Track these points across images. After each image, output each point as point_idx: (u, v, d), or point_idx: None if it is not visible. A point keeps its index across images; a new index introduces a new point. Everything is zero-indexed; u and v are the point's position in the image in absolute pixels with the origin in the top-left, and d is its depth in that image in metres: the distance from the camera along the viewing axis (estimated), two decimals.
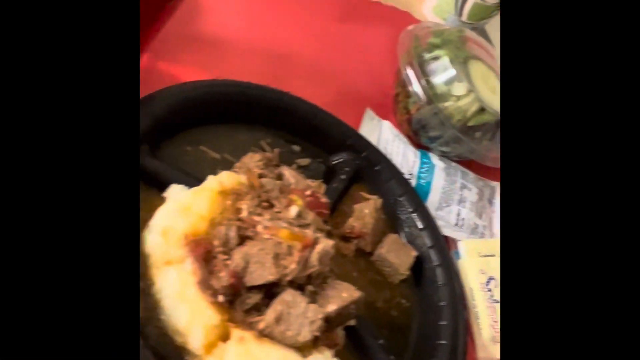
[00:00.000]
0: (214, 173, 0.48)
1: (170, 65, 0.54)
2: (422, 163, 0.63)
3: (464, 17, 0.83)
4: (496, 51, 0.70)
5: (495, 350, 0.53)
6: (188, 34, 0.55)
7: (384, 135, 0.64)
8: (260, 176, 0.49)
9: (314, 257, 0.42)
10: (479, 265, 0.57)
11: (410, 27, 0.67)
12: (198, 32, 0.57)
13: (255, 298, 0.41)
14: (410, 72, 0.62)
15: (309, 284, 0.42)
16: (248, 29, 0.61)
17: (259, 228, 0.43)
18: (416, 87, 0.62)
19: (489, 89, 0.64)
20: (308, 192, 0.48)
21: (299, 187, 0.49)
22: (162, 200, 0.44)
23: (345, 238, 0.52)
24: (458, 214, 0.62)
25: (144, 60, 0.51)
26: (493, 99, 0.63)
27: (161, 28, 0.47)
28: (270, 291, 0.41)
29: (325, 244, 0.42)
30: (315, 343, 0.41)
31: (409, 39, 0.65)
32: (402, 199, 0.57)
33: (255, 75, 0.56)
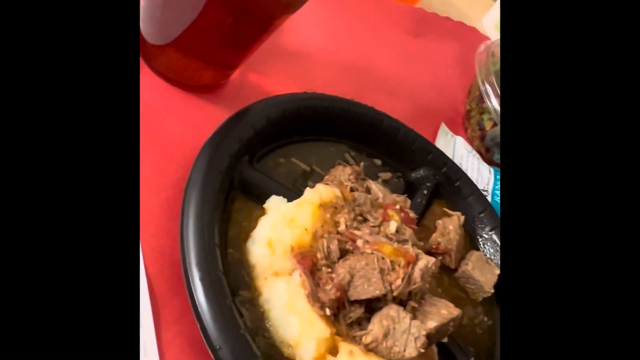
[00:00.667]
0: (306, 185, 0.49)
1: (260, 77, 0.54)
2: (497, 180, 0.63)
3: None
4: None
5: None
6: (275, 48, 0.55)
7: (458, 151, 0.64)
8: (352, 189, 0.49)
9: (417, 273, 0.42)
10: None
11: (487, 42, 0.67)
12: (284, 46, 0.58)
13: (357, 312, 0.41)
14: (488, 88, 0.62)
15: (410, 300, 0.42)
16: (330, 42, 0.62)
17: (359, 242, 0.43)
18: (494, 103, 0.62)
19: None
20: (397, 207, 0.48)
21: (387, 202, 0.49)
22: (262, 210, 0.45)
23: (430, 254, 0.52)
24: None
25: (237, 72, 0.52)
26: None
27: (261, 45, 0.48)
28: (370, 305, 0.42)
29: (427, 260, 0.43)
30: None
31: (486, 55, 0.65)
32: (482, 215, 0.57)
33: (336, 86, 0.56)
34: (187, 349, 0.36)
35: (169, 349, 0.36)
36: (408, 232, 0.45)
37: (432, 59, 0.72)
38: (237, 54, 0.48)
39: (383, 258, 0.42)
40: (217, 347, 0.35)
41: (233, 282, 0.40)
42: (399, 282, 0.41)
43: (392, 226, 0.44)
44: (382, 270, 0.41)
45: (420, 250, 0.44)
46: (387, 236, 0.44)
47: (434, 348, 0.44)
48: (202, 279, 0.37)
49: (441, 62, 0.72)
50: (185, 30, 0.44)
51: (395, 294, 0.40)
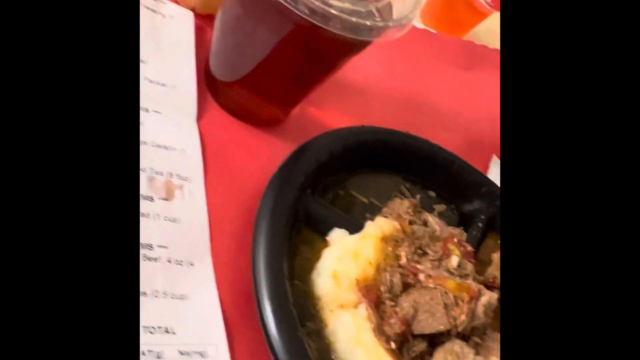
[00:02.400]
0: (365, 217, 0.50)
1: (319, 112, 0.56)
2: None
3: None
4: None
5: None
6: (333, 84, 0.57)
7: None
8: (410, 222, 0.50)
9: (479, 309, 0.42)
10: None
11: None
12: (342, 82, 0.59)
13: (421, 346, 0.41)
14: None
15: (473, 335, 0.42)
16: (384, 78, 0.64)
17: (421, 276, 0.44)
18: None
19: None
20: (455, 240, 0.49)
21: (444, 235, 0.50)
22: (324, 242, 0.46)
23: (487, 287, 0.52)
24: None
25: (297, 108, 0.54)
26: None
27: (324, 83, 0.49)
28: (432, 340, 0.42)
29: (490, 296, 0.43)
30: None
31: None
32: None
33: (392, 121, 0.57)
34: None
35: None
36: (469, 267, 0.45)
37: (484, 91, 0.72)
38: (300, 92, 0.49)
39: (446, 293, 0.42)
40: None
41: (300, 314, 0.41)
42: (463, 317, 0.41)
43: (454, 261, 0.45)
44: (446, 306, 0.41)
45: (481, 286, 0.44)
46: (448, 270, 0.44)
47: None
48: (274, 311, 0.38)
49: (492, 94, 0.73)
50: (254, 68, 0.46)
51: (459, 329, 0.41)
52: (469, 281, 0.44)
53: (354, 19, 0.38)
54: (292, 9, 0.37)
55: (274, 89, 0.49)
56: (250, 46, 0.44)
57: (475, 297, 0.42)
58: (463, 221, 0.57)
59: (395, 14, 0.44)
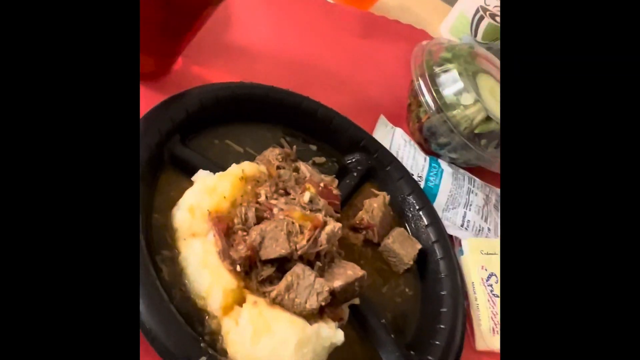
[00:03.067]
0: (237, 163, 0.54)
1: (202, 69, 0.60)
2: (431, 167, 0.67)
3: (479, 37, 0.88)
4: None
5: (493, 341, 0.57)
6: (219, 42, 0.61)
7: (396, 140, 0.68)
8: (278, 167, 0.54)
9: (323, 237, 0.46)
10: (481, 262, 0.61)
11: (423, 43, 0.72)
12: (228, 40, 0.63)
13: (268, 271, 0.45)
14: (421, 83, 0.67)
15: (317, 261, 0.46)
16: (275, 39, 0.68)
17: (275, 210, 0.48)
18: (427, 97, 0.67)
19: (495, 101, 0.68)
20: (322, 184, 0.53)
21: (313, 180, 0.54)
22: (190, 183, 0.49)
23: (355, 229, 0.57)
24: (464, 216, 0.66)
25: (179, 63, 0.57)
26: (499, 110, 0.67)
27: (195, 35, 0.53)
28: (282, 266, 0.46)
29: (334, 225, 0.47)
30: (321, 314, 0.45)
31: (422, 53, 0.70)
32: (410, 197, 0.61)
33: (279, 81, 0.61)
34: None
35: None
36: (322, 203, 0.50)
37: (379, 58, 0.77)
38: (173, 43, 0.53)
39: (293, 222, 0.46)
40: None
41: (156, 243, 0.45)
42: (304, 242, 0.45)
43: (306, 196, 0.49)
44: (289, 233, 0.45)
45: (330, 218, 0.48)
46: (301, 205, 0.48)
47: (345, 308, 0.49)
48: None
49: (388, 61, 0.77)
50: None
51: (299, 253, 0.45)
52: (318, 215, 0.48)
53: None
54: None
55: (146, 42, 0.52)
56: None
57: (319, 227, 0.46)
58: (343, 172, 0.61)
59: None
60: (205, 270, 0.43)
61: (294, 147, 0.58)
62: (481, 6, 0.86)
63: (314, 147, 0.61)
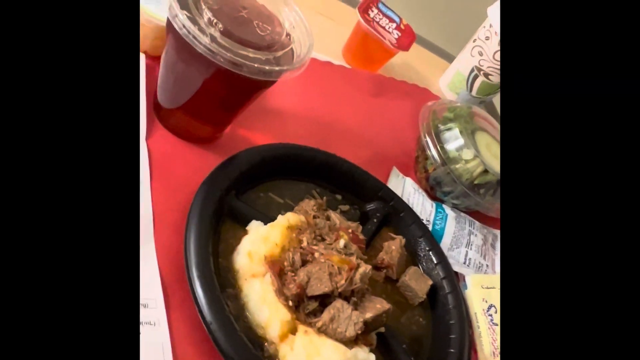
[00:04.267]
0: (280, 213, 0.64)
1: (246, 132, 0.71)
2: (437, 212, 0.78)
3: (474, 92, 1.00)
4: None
5: None
6: (258, 108, 0.72)
7: (406, 188, 0.79)
8: (314, 217, 0.64)
9: (357, 276, 0.57)
10: (482, 295, 0.71)
11: (429, 104, 0.84)
12: (265, 106, 0.74)
13: (313, 305, 0.56)
14: (428, 140, 0.79)
15: (352, 296, 0.57)
16: (303, 102, 0.79)
17: (316, 254, 0.58)
18: (433, 151, 0.78)
19: (492, 155, 0.80)
20: (350, 231, 0.63)
21: (343, 226, 0.65)
22: (244, 231, 0.60)
23: (377, 268, 0.67)
24: (466, 255, 0.77)
25: (229, 128, 0.68)
26: (495, 163, 0.79)
27: (246, 108, 0.64)
28: (323, 301, 0.56)
29: (365, 267, 0.58)
30: (356, 340, 0.55)
31: (428, 112, 0.82)
32: (421, 239, 0.72)
33: (307, 137, 0.72)
34: (188, 324, 0.51)
35: (177, 324, 0.50)
36: (353, 248, 0.60)
37: (389, 115, 0.88)
38: (228, 116, 0.64)
39: (332, 265, 0.57)
40: (210, 322, 0.49)
41: (222, 282, 0.55)
42: (342, 282, 0.55)
43: (341, 243, 0.60)
44: (330, 274, 0.56)
45: (362, 261, 0.59)
46: (337, 250, 0.59)
47: (374, 335, 0.59)
48: (199, 277, 0.51)
49: (396, 117, 0.89)
50: (190, 98, 0.61)
51: (340, 290, 0.55)
52: (352, 257, 0.58)
53: (256, 65, 0.52)
54: (211, 59, 0.52)
55: (206, 113, 0.63)
56: (185, 82, 0.59)
57: (353, 268, 0.57)
58: (364, 218, 0.72)
59: (295, 58, 0.59)
60: (264, 305, 0.53)
61: (324, 197, 0.69)
62: (476, 66, 0.98)
63: (339, 197, 0.72)
